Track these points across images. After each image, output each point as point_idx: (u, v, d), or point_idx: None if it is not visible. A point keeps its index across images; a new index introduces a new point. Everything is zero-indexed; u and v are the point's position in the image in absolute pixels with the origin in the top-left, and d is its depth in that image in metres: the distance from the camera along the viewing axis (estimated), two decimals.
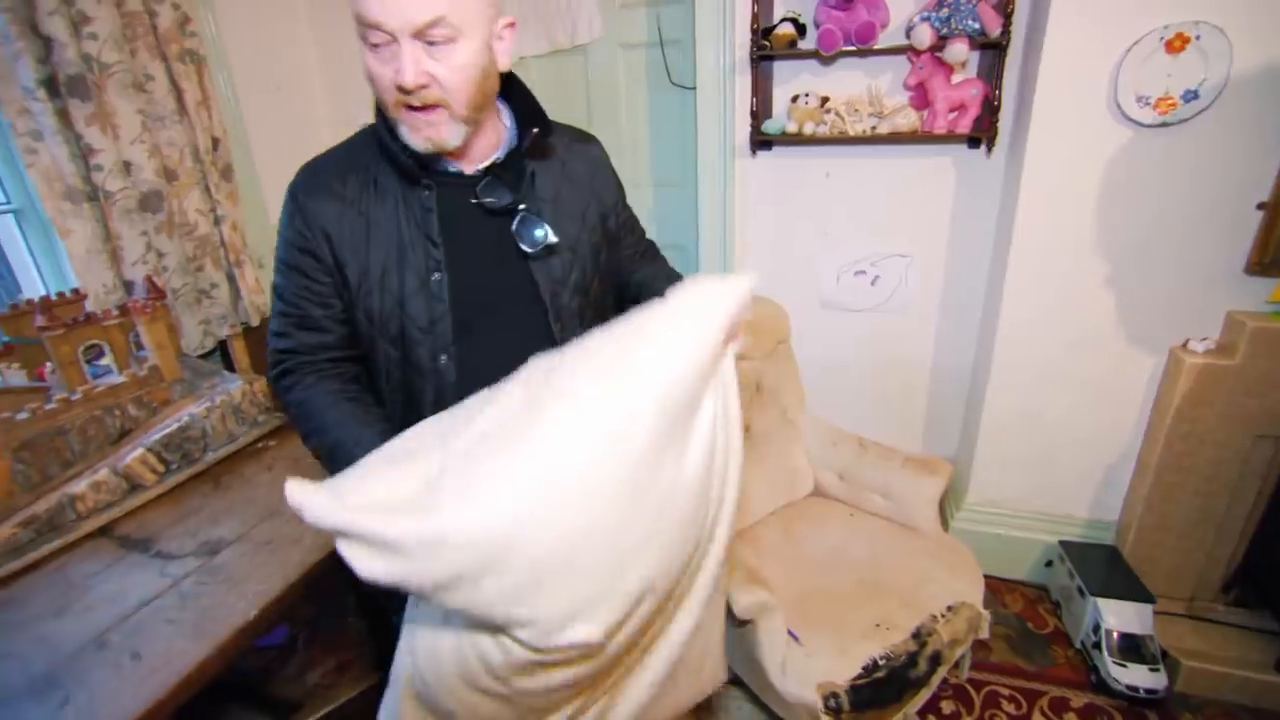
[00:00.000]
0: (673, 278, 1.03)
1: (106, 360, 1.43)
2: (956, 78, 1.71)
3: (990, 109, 1.67)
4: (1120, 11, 1.43)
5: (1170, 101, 1.45)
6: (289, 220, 0.87)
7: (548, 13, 2.24)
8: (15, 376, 1.42)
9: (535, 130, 0.91)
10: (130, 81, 1.61)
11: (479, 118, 0.85)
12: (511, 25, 0.85)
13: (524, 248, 0.90)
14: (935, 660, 1.34)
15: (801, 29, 1.77)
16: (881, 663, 1.30)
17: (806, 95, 1.82)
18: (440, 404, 0.86)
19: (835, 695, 1.25)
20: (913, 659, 1.31)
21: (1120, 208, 1.56)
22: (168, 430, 1.34)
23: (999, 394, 1.82)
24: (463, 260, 0.90)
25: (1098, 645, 1.61)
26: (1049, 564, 1.90)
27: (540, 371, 0.67)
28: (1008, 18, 1.56)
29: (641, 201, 2.41)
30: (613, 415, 0.60)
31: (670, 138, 2.28)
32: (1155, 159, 1.51)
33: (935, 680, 1.36)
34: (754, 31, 1.76)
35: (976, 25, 1.60)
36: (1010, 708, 1.58)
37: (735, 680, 1.63)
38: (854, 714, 1.25)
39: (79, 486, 1.22)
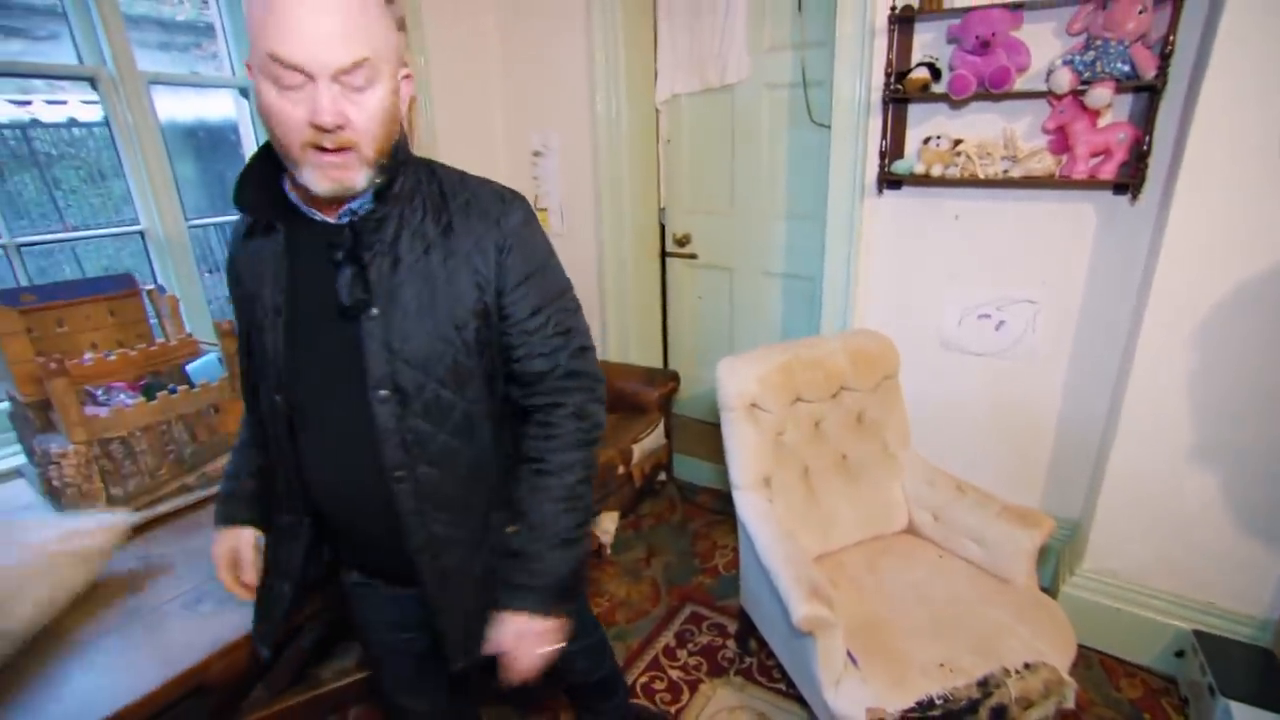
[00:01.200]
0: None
1: None
2: (1102, 121, 1.65)
3: (1139, 155, 1.58)
4: None
5: None
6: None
7: (701, 54, 2.45)
8: None
9: (380, 180, 0.81)
10: None
11: (384, 162, 0.80)
12: (409, 76, 0.83)
13: (342, 301, 0.82)
14: (999, 714, 1.30)
15: (937, 73, 1.80)
16: (939, 702, 1.29)
17: (939, 138, 1.84)
18: (279, 445, 0.92)
19: None
20: (974, 706, 1.29)
21: None
22: None
23: (1125, 458, 1.69)
24: (303, 308, 0.86)
25: None
26: (1179, 654, 1.71)
27: None
28: (1165, 58, 1.49)
29: (774, 233, 2.53)
30: None
31: (806, 173, 2.37)
32: None
33: None
34: (888, 75, 1.82)
35: (1126, 68, 1.54)
36: None
37: (797, 696, 1.69)
38: None
39: None
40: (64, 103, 1.88)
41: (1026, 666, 1.37)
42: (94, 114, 1.88)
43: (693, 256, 2.76)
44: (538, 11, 2.48)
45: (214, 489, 1.47)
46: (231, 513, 1.04)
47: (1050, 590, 1.90)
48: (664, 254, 2.83)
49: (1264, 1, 1.32)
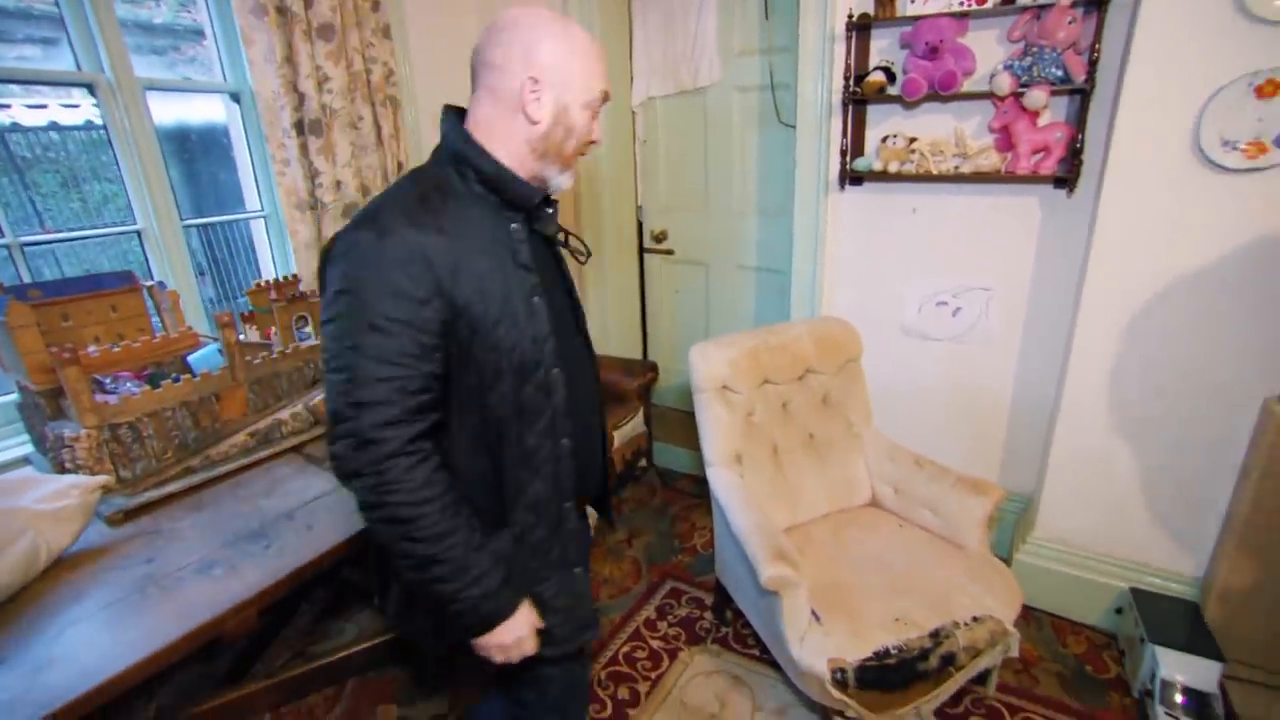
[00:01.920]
0: None
1: (309, 328, 1.93)
2: (1042, 121, 1.79)
3: (1074, 152, 1.72)
4: (1204, 59, 1.46)
5: (1261, 146, 1.45)
6: (397, 272, 0.82)
7: (675, 58, 2.57)
8: (251, 335, 1.97)
9: None
10: (348, 121, 2.14)
11: None
12: None
13: (565, 271, 1.11)
14: (948, 660, 1.43)
15: (892, 76, 1.93)
16: (894, 651, 1.42)
17: (895, 136, 1.97)
18: (554, 421, 0.99)
19: (843, 670, 1.39)
20: (925, 654, 1.42)
21: (1203, 251, 1.56)
22: None
23: (1068, 432, 1.83)
24: (544, 283, 0.99)
25: (1151, 694, 1.58)
26: (1119, 611, 1.85)
27: None
28: (1092, 64, 1.63)
29: (747, 228, 2.65)
30: None
31: (775, 171, 2.50)
32: (1244, 203, 1.50)
33: (950, 683, 1.45)
34: (846, 78, 1.95)
35: (1060, 72, 1.68)
36: None
37: (769, 660, 1.81)
38: (858, 690, 1.39)
39: (284, 414, 1.70)
40: (44, 106, 1.95)
41: (975, 619, 1.50)
42: (75, 117, 1.95)
43: (669, 252, 2.88)
44: None
45: (217, 471, 1.56)
46: (517, 585, 0.99)
47: (1005, 559, 2.04)
48: (642, 250, 2.95)
49: (1171, 16, 1.46)
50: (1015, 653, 1.53)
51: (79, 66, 1.81)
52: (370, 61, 2.18)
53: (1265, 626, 1.64)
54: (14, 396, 1.64)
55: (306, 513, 1.40)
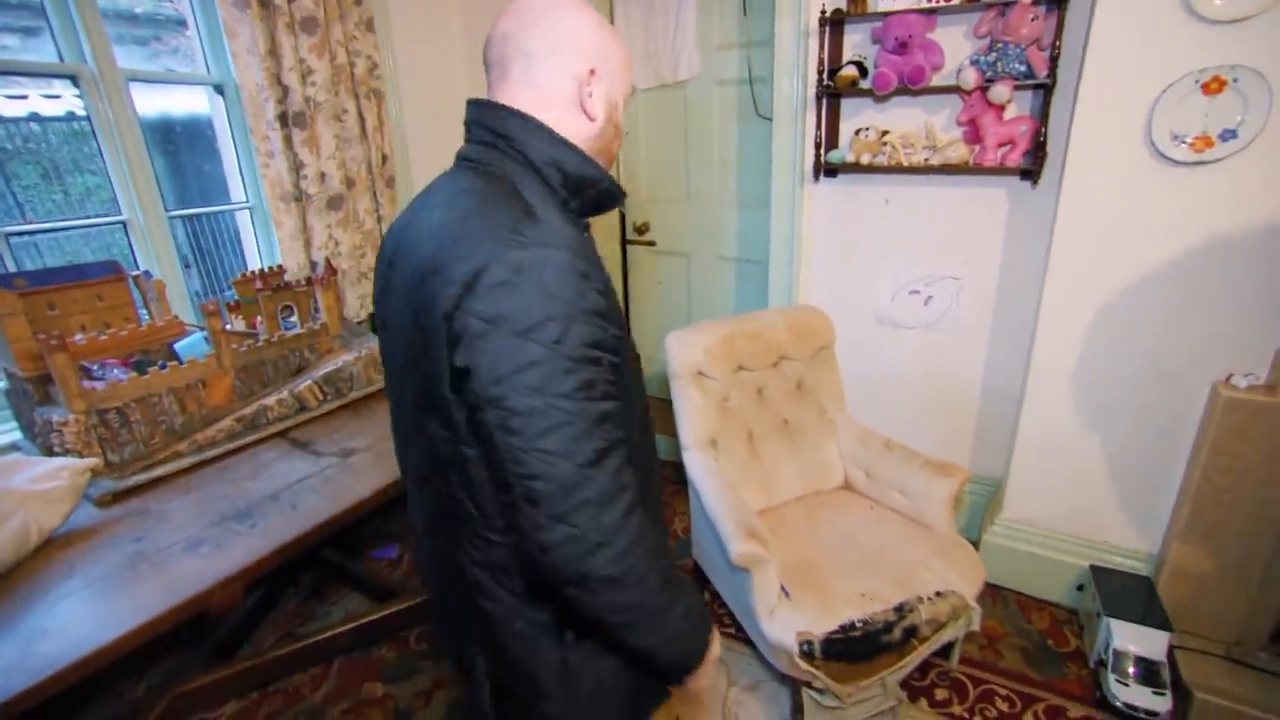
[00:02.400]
0: None
1: (294, 318, 1.97)
2: (1009, 115, 1.85)
3: (1039, 145, 1.78)
4: (1155, 57, 1.52)
5: (1207, 140, 1.52)
6: (578, 283, 0.67)
7: (655, 51, 2.61)
8: (237, 324, 2.00)
9: None
10: (332, 114, 2.17)
11: None
12: None
13: None
14: (911, 632, 1.49)
15: (865, 71, 1.98)
16: (859, 624, 1.48)
17: (867, 129, 2.03)
18: (646, 425, 0.88)
19: (810, 642, 1.45)
20: (889, 627, 1.48)
21: (1157, 242, 1.63)
22: (328, 370, 1.84)
23: (1033, 417, 1.90)
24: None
25: (1105, 663, 1.65)
26: (1080, 588, 1.93)
27: None
28: (1054, 60, 1.68)
29: (727, 220, 2.70)
30: None
31: (754, 164, 2.54)
32: (1193, 195, 1.56)
33: (913, 655, 1.52)
34: (820, 72, 2.00)
35: (1023, 68, 1.74)
36: (1004, 706, 1.67)
37: (744, 638, 1.87)
38: (824, 661, 1.45)
39: (269, 401, 1.74)
40: (25, 97, 1.97)
41: (938, 594, 1.56)
42: (57, 108, 1.97)
43: (651, 244, 2.93)
44: (499, 10, 2.61)
45: (204, 455, 1.60)
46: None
47: (975, 540, 2.12)
48: (625, 241, 2.99)
49: (1124, 15, 1.52)
50: (977, 626, 1.60)
51: (61, 57, 1.83)
52: (354, 55, 2.21)
53: (1212, 598, 1.72)
54: (2, 384, 1.67)
55: (291, 494, 1.44)
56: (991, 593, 2.05)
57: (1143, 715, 1.56)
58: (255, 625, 1.90)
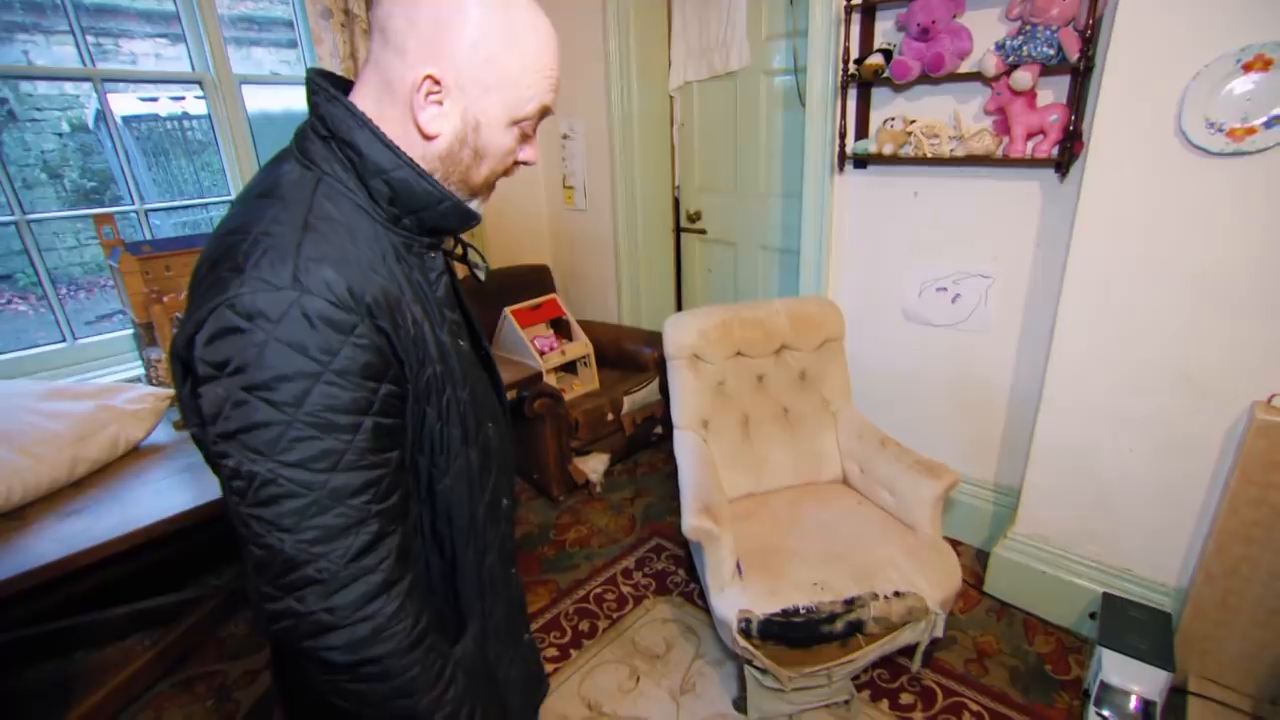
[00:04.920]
0: None
1: None
2: (1042, 102, 1.72)
3: (1070, 135, 1.65)
4: (1190, 34, 1.37)
5: (1248, 128, 1.35)
6: (330, 337, 0.57)
7: (708, 44, 2.66)
8: None
9: None
10: None
11: None
12: None
13: (476, 278, 0.85)
14: (855, 627, 1.49)
15: (891, 58, 1.92)
16: (802, 611, 1.50)
17: (894, 119, 1.97)
18: (497, 483, 0.81)
19: (749, 620, 1.50)
20: (832, 618, 1.49)
21: (1187, 241, 1.46)
22: None
23: (1050, 425, 1.77)
24: (464, 320, 0.82)
25: (1088, 693, 1.54)
26: (1093, 616, 1.77)
27: None
28: (1087, 42, 1.56)
29: (771, 210, 2.71)
30: None
31: (797, 154, 2.52)
32: (1229, 189, 1.39)
33: (861, 651, 1.51)
34: (845, 61, 1.97)
35: (1051, 51, 1.62)
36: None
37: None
38: (761, 641, 1.49)
39: None
40: (182, 98, 2.43)
41: (896, 594, 1.54)
42: (200, 107, 2.40)
43: (702, 232, 2.99)
44: (560, 8, 2.78)
45: None
46: (475, 691, 0.77)
47: (986, 551, 2.01)
48: (679, 229, 3.07)
49: None
50: (941, 633, 1.55)
51: (193, 67, 2.24)
52: None
53: (1236, 645, 1.53)
54: (130, 330, 2.11)
55: None
56: (997, 608, 1.94)
57: None
58: None
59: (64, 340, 2.13)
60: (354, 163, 0.65)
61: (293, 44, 2.62)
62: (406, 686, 0.65)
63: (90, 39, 2.16)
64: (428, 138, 0.65)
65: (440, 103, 0.63)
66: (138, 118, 4.08)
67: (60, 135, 3.99)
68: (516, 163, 0.72)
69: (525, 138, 0.70)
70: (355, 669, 0.62)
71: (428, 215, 0.68)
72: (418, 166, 0.65)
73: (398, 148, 0.64)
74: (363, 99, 0.65)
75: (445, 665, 0.70)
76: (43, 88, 3.69)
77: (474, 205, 0.72)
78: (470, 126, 0.65)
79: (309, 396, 0.56)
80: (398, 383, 0.64)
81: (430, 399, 0.69)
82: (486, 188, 0.73)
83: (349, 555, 0.60)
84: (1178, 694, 1.56)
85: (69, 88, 3.78)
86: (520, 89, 0.65)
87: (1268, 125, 1.33)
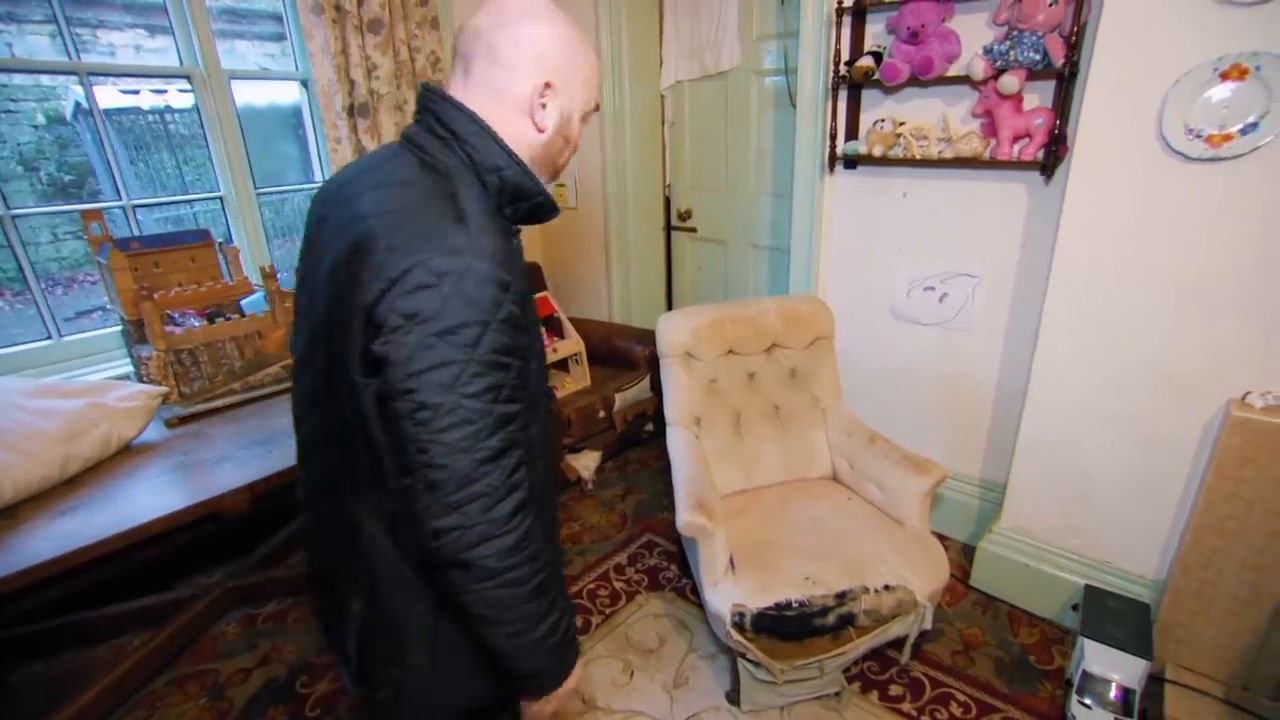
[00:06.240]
0: None
1: None
2: (1028, 106, 1.76)
3: (1055, 138, 1.69)
4: (1170, 42, 1.41)
5: (1225, 134, 1.39)
6: (497, 294, 0.71)
7: (699, 44, 2.68)
8: None
9: None
10: (393, 104, 2.44)
11: None
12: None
13: None
14: (846, 620, 1.52)
15: (881, 61, 1.95)
16: (795, 604, 1.53)
17: (884, 120, 2.00)
18: (546, 451, 0.89)
19: (742, 614, 1.52)
20: (824, 611, 1.52)
21: (1167, 244, 1.51)
22: None
23: (1034, 422, 1.82)
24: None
25: (1070, 682, 1.58)
26: (1075, 607, 1.82)
27: None
28: (1071, 48, 1.60)
29: (761, 209, 2.73)
30: None
31: (787, 154, 2.55)
32: (1207, 194, 1.44)
33: (851, 644, 1.54)
34: (836, 63, 2.00)
35: (1037, 56, 1.66)
36: (957, 710, 1.64)
37: None
38: (754, 635, 1.52)
39: None
40: (164, 91, 2.40)
41: (886, 587, 1.58)
42: (185, 101, 2.37)
43: (693, 230, 3.01)
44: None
45: (252, 394, 1.92)
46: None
47: (972, 546, 2.05)
48: (669, 227, 3.09)
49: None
50: (929, 625, 1.59)
51: (180, 60, 2.22)
52: (415, 51, 2.47)
53: (1211, 634, 1.59)
54: (119, 327, 2.09)
55: None
56: (983, 601, 1.99)
57: None
58: (297, 548, 2.24)
59: (49, 337, 2.10)
60: (472, 160, 0.79)
61: (275, 38, 2.60)
62: (539, 588, 0.77)
63: (67, 30, 2.12)
64: (539, 130, 0.82)
65: (545, 104, 0.81)
66: (119, 111, 4.01)
67: (36, 128, 3.92)
68: (574, 150, 0.91)
69: (585, 125, 0.90)
70: (503, 574, 0.74)
71: (524, 206, 0.83)
72: (525, 166, 0.81)
73: (510, 149, 0.80)
74: (479, 104, 0.80)
75: (560, 575, 0.85)
76: (18, 79, 3.61)
77: (549, 188, 0.87)
78: (565, 119, 0.84)
79: (483, 340, 0.70)
80: (527, 334, 0.78)
81: (534, 351, 0.84)
82: (562, 169, 0.91)
83: (506, 473, 0.72)
84: (1156, 682, 1.61)
85: (45, 79, 3.71)
86: (588, 89, 0.86)
87: (1243, 132, 1.37)
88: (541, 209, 0.85)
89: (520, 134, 0.81)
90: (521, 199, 0.82)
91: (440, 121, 0.79)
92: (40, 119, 3.89)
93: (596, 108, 0.90)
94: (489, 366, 0.70)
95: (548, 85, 0.80)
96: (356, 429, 0.76)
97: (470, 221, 0.72)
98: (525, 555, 0.75)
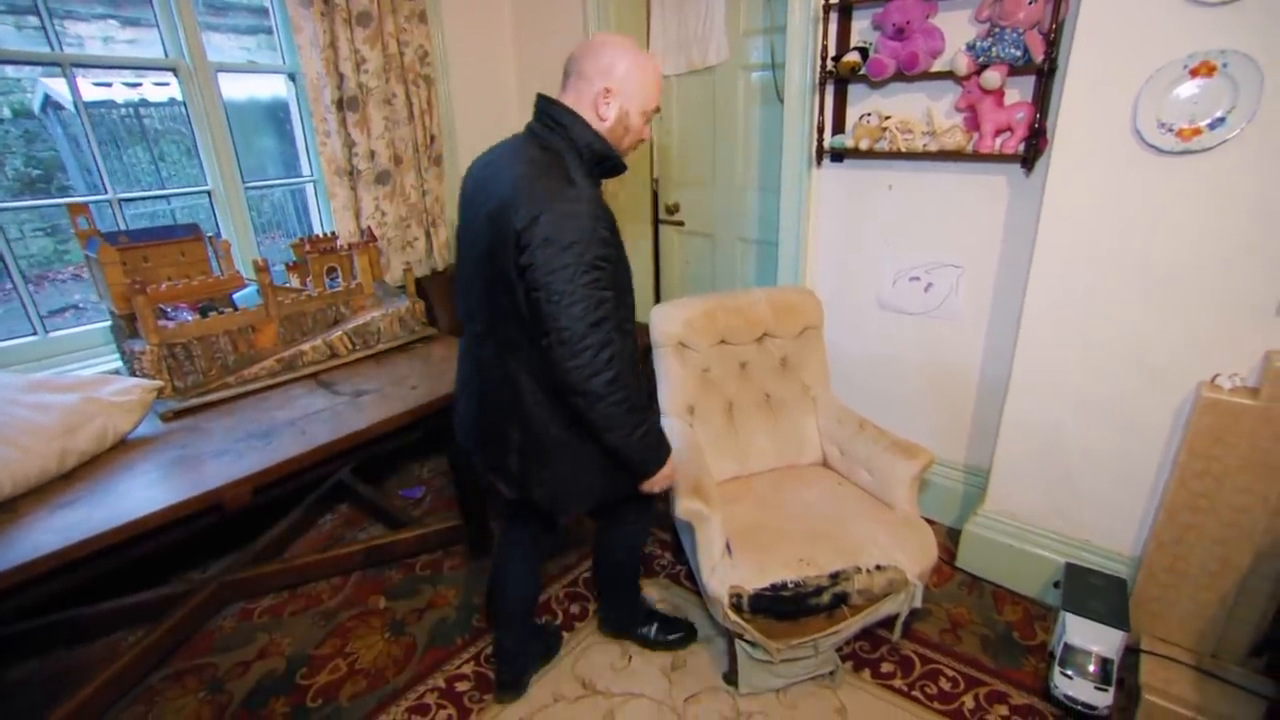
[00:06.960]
0: None
1: (339, 278, 2.26)
2: (1009, 101, 1.82)
3: (1035, 132, 1.75)
4: (1143, 40, 1.47)
5: (1195, 129, 1.46)
6: (602, 226, 1.16)
7: (686, 39, 2.70)
8: (293, 280, 2.32)
9: None
10: (382, 98, 2.44)
11: None
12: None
13: None
14: (840, 599, 1.57)
15: (868, 56, 2.00)
16: (790, 585, 1.57)
17: (870, 114, 2.05)
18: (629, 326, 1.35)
19: (740, 596, 1.57)
20: (819, 591, 1.56)
21: (1142, 234, 1.57)
22: (358, 323, 2.11)
23: (1016, 408, 1.88)
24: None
25: (1053, 655, 1.65)
26: (1057, 585, 1.90)
27: None
28: (1050, 44, 1.65)
29: (748, 202, 2.77)
30: None
31: (774, 148, 2.59)
32: (1179, 186, 1.50)
33: (845, 622, 1.59)
34: (822, 58, 2.04)
35: (1018, 52, 1.71)
36: (946, 685, 1.70)
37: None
38: (752, 615, 1.56)
39: (305, 347, 2.04)
40: (139, 84, 2.37)
41: (878, 567, 1.63)
42: (163, 94, 2.34)
43: (680, 224, 3.04)
44: (540, 3, 2.80)
45: (247, 388, 1.92)
46: None
47: (958, 529, 2.12)
48: (657, 221, 3.12)
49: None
50: (919, 604, 1.65)
51: (166, 53, 2.19)
52: (403, 45, 2.47)
53: (1184, 605, 1.66)
54: (108, 322, 2.06)
55: (305, 422, 1.72)
56: (968, 582, 2.05)
57: (1080, 708, 1.56)
58: (292, 542, 2.24)
59: (35, 334, 2.07)
60: (572, 139, 1.24)
61: (253, 31, 2.57)
62: (631, 407, 1.22)
63: (31, 19, 2.09)
64: (601, 119, 1.26)
65: (609, 102, 1.24)
66: (90, 104, 3.92)
67: (1, 121, 3.82)
68: (640, 140, 1.34)
69: (647, 121, 1.32)
70: (607, 398, 1.19)
71: (607, 165, 1.29)
72: (604, 139, 1.26)
73: (593, 130, 1.25)
74: (571, 104, 1.25)
75: (645, 399, 1.29)
76: None
77: (626, 160, 1.34)
78: (624, 114, 1.26)
79: (587, 252, 1.13)
80: (615, 247, 1.22)
81: (620, 259, 1.25)
82: (629, 150, 1.34)
83: (605, 334, 1.16)
84: (1132, 652, 1.68)
85: (10, 71, 3.61)
86: (644, 95, 1.27)
87: (1211, 126, 1.44)
88: (617, 167, 1.31)
89: (593, 121, 1.25)
90: (604, 161, 1.27)
91: (550, 116, 1.25)
92: (6, 112, 3.80)
93: (657, 109, 1.32)
94: (591, 267, 1.13)
95: (608, 90, 1.23)
96: (511, 312, 1.21)
97: (575, 179, 1.18)
98: (620, 385, 1.19)
